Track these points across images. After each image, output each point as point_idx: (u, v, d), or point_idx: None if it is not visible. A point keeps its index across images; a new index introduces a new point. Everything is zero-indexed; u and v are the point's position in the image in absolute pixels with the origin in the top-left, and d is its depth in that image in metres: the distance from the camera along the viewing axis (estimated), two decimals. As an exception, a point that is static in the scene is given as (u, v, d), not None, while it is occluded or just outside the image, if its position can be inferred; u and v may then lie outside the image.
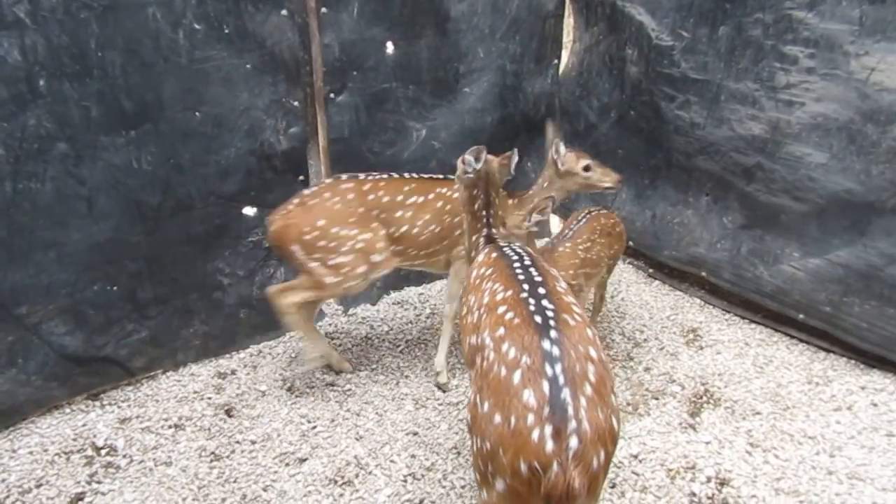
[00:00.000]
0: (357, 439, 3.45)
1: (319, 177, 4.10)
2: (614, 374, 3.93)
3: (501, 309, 2.31)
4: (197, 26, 3.33)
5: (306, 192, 3.54)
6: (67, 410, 3.58)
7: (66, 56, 3.05)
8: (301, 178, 3.96)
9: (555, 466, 1.93)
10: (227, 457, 3.34)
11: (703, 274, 4.49)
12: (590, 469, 1.97)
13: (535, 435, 1.95)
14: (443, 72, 4.27)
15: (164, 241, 3.56)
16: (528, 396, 2.00)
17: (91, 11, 3.06)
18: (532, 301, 2.29)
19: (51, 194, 3.18)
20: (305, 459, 3.33)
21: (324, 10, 3.72)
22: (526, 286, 2.38)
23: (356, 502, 3.09)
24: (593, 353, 2.16)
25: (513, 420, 2.00)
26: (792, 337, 4.18)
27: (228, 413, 3.60)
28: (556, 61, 4.87)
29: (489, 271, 2.60)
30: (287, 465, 3.30)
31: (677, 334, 4.30)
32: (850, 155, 3.58)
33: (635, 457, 3.35)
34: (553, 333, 2.14)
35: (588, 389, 2.04)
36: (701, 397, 3.75)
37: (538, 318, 2.20)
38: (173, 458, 3.32)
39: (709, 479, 3.19)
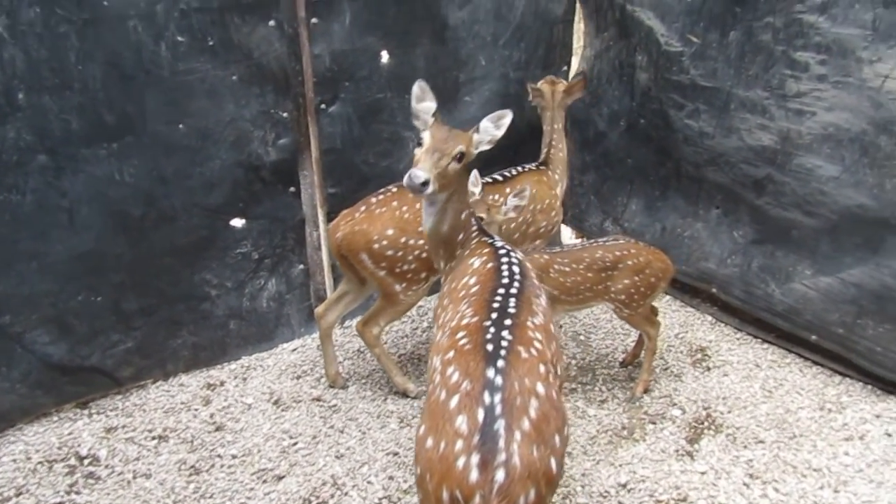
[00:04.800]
0: (337, 458, 3.38)
1: (313, 188, 4.05)
2: (612, 396, 3.77)
3: (460, 334, 2.24)
4: (180, 38, 3.31)
5: (373, 199, 3.53)
6: (55, 418, 3.61)
7: (45, 69, 3.07)
8: (292, 189, 3.92)
9: (477, 498, 1.85)
10: (207, 471, 3.32)
11: (714, 290, 4.29)
12: None
13: (461, 462, 1.87)
14: (441, 81, 4.16)
15: (149, 253, 3.56)
16: (461, 422, 1.93)
17: (71, 25, 3.07)
18: (492, 330, 2.20)
19: (31, 206, 3.20)
20: (283, 477, 3.27)
21: (314, 20, 3.66)
22: (494, 315, 2.28)
23: (327, 524, 3.03)
24: (541, 389, 2.05)
25: (442, 445, 1.93)
26: (805, 359, 3.95)
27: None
28: (565, 68, 4.72)
29: (474, 288, 2.49)
30: (264, 482, 3.26)
31: (684, 353, 4.11)
32: (863, 168, 3.36)
33: (623, 486, 3.20)
34: (500, 363, 2.05)
35: (526, 424, 1.94)
36: (702, 423, 3.56)
37: (490, 347, 2.12)
38: (153, 471, 3.31)
39: (698, 513, 3.02)
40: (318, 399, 3.78)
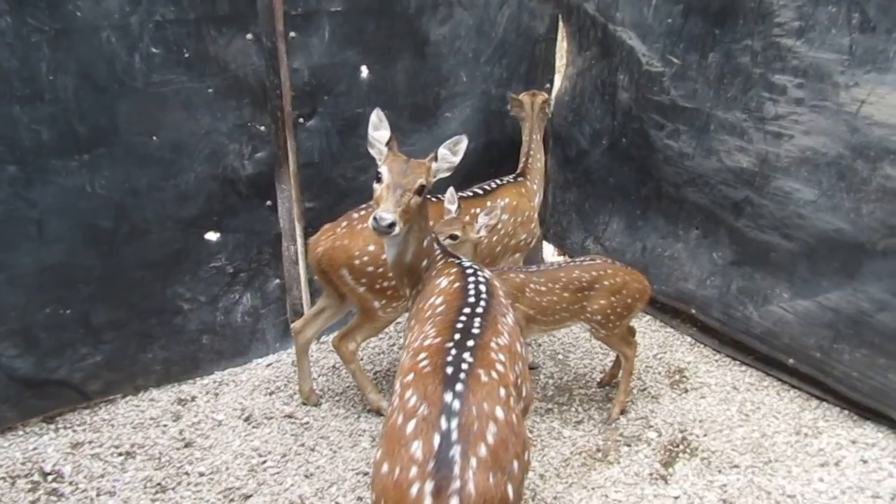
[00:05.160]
0: (306, 476, 3.33)
1: (291, 202, 4.02)
2: (588, 416, 3.73)
3: (422, 356, 2.19)
4: (154, 50, 3.29)
5: (354, 214, 3.49)
6: (20, 433, 3.54)
7: (16, 79, 3.03)
8: (269, 203, 3.88)
9: None
10: (173, 489, 3.25)
11: (693, 311, 4.26)
12: None
13: (415, 490, 1.83)
14: (422, 96, 4.16)
15: (120, 266, 3.51)
16: (417, 448, 1.89)
17: (43, 35, 3.04)
18: (454, 351, 2.16)
19: (-1, 217, 3.17)
20: (250, 496, 3.22)
21: (292, 34, 3.64)
22: (457, 335, 2.24)
23: (292, 546, 2.97)
24: (500, 414, 2.01)
25: (397, 471, 1.89)
26: (783, 382, 3.92)
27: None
28: (547, 85, 4.72)
29: (440, 308, 2.46)
30: (231, 500, 3.20)
31: (662, 374, 4.08)
32: (840, 192, 3.34)
33: (595, 510, 3.15)
34: (459, 386, 2.01)
35: (482, 450, 1.90)
36: (677, 446, 3.53)
37: (449, 370, 2.08)
38: (117, 489, 3.24)
39: (668, 540, 2.98)
40: (290, 416, 3.72)
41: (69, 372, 3.55)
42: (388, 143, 2.58)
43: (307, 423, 3.68)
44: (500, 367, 2.16)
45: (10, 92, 3.04)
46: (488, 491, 1.85)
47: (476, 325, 2.31)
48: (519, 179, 4.08)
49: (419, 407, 1.97)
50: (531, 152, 4.15)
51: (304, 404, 3.81)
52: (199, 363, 3.95)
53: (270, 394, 3.90)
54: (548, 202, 5.04)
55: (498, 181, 4.00)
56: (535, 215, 4.09)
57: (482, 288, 2.51)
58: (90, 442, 3.51)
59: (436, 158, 2.56)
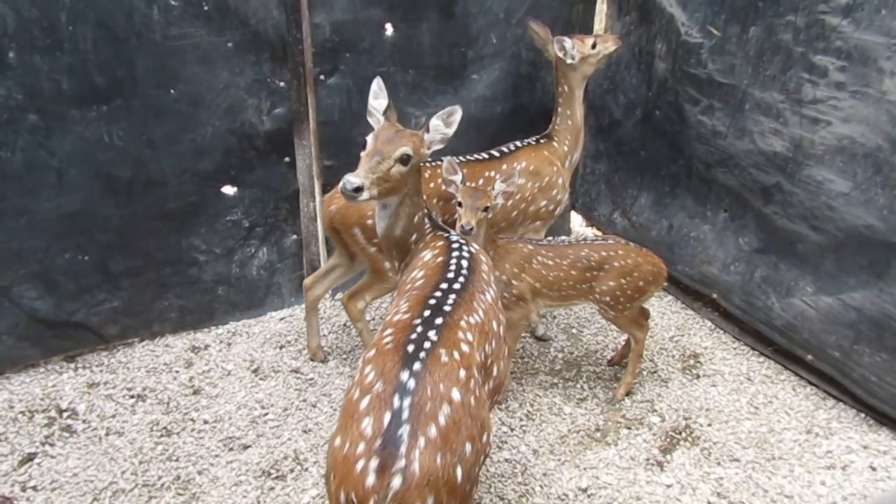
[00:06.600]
0: (304, 432, 3.41)
1: (310, 159, 4.01)
2: (593, 395, 3.69)
3: (388, 331, 2.21)
4: (173, 3, 3.29)
5: None
6: (42, 370, 3.72)
7: (36, 29, 3.08)
8: (287, 159, 3.89)
9: (371, 503, 1.83)
10: (177, 434, 3.39)
11: (715, 296, 4.12)
12: None
13: (360, 465, 1.87)
14: (448, 57, 4.05)
15: (136, 216, 3.60)
16: (367, 424, 1.92)
17: (62, -15, 3.07)
18: (419, 329, 2.16)
19: (21, 164, 3.25)
20: (248, 447, 3.32)
21: (315, -11, 3.59)
22: (427, 312, 2.23)
23: (281, 499, 3.06)
24: (456, 395, 2.01)
25: (347, 445, 1.92)
26: (801, 378, 3.78)
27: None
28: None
29: (419, 283, 2.46)
30: (231, 449, 3.31)
31: (676, 358, 3.98)
32: (875, 186, 3.14)
33: (584, 490, 3.14)
34: (416, 365, 2.02)
35: (433, 431, 1.91)
36: (679, 433, 3.46)
37: (410, 347, 2.08)
38: (125, 429, 3.39)
39: (653, 530, 2.95)
40: (296, 371, 3.80)
41: (87, 315, 3.69)
42: (385, 112, 2.54)
43: (312, 378, 3.76)
44: (465, 346, 2.15)
45: (30, 42, 3.09)
46: (434, 472, 1.86)
47: (449, 301, 2.29)
48: (542, 141, 3.83)
49: (375, 384, 1.99)
50: (559, 108, 3.82)
51: (312, 360, 3.88)
52: (214, 313, 4.06)
53: (280, 347, 3.98)
54: (577, 171, 4.90)
55: (518, 143, 3.80)
56: (561, 180, 3.81)
57: (464, 263, 2.49)
58: (105, 383, 3.67)
59: (428, 129, 2.51)
